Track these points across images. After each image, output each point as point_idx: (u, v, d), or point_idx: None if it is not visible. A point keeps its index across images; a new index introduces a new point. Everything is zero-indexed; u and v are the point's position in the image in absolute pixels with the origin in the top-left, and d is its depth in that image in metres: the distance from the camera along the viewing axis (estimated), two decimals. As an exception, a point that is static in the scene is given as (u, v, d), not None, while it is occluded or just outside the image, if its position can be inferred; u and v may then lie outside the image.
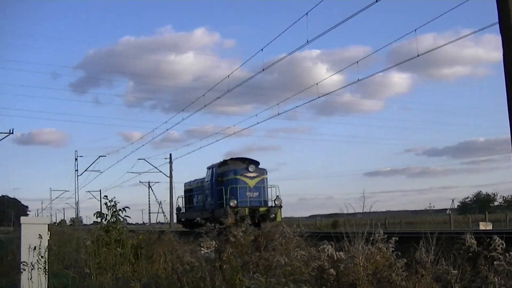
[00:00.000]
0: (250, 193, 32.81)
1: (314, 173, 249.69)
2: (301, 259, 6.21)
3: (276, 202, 33.09)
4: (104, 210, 13.23)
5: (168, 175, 70.06)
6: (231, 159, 35.50)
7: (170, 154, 71.02)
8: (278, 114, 34.77)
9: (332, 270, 5.81)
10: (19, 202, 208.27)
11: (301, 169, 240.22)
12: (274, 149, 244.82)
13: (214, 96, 37.02)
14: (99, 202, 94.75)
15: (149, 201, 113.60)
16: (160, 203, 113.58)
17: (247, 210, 30.86)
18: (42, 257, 9.65)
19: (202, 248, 9.31)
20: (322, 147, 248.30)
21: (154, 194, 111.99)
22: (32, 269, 9.49)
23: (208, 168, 36.34)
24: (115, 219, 13.00)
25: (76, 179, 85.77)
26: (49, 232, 10.50)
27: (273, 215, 31.98)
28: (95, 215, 13.42)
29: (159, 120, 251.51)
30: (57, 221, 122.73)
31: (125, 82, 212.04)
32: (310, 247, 6.98)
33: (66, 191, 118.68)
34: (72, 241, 20.92)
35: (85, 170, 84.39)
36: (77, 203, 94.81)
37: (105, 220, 13.14)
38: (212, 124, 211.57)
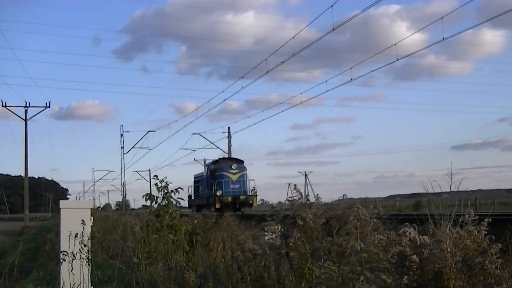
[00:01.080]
0: (233, 185, 49.51)
1: (393, 147, 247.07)
2: (378, 244, 6.25)
3: (252, 192, 50.16)
4: (154, 192, 13.46)
5: (227, 151, 70.64)
6: (222, 158, 55.24)
7: (229, 128, 72.24)
8: (351, 80, 35.16)
9: (414, 257, 5.86)
10: (58, 184, 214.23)
11: (378, 143, 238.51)
12: (346, 120, 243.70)
13: (278, 60, 37.44)
14: (149, 183, 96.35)
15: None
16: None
17: (230, 198, 48.36)
18: (84, 245, 9.87)
19: (265, 233, 9.43)
20: (402, 117, 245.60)
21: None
22: (73, 259, 9.69)
23: (206, 165, 56.21)
24: (166, 202, 13.24)
25: (122, 157, 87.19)
26: (92, 218, 10.71)
27: (251, 202, 48.95)
28: (144, 198, 13.63)
29: (216, 89, 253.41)
30: (101, 205, 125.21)
31: (176, 46, 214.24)
32: (389, 230, 7.03)
33: (110, 171, 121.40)
34: (118, 228, 21.44)
35: (132, 147, 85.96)
36: (123, 185, 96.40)
37: (155, 203, 13.37)
38: (276, 93, 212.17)
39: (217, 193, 48.52)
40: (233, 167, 50.26)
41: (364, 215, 7.65)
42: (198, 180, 58.30)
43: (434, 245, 5.90)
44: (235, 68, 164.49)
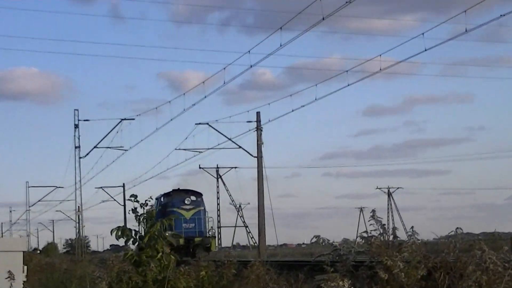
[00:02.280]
0: (186, 224, 60.13)
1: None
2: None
3: (210, 233, 62.48)
4: (132, 223, 13.35)
5: (255, 154, 69.35)
6: (177, 190, 64.55)
7: (258, 113, 69.94)
8: (466, 31, 33.97)
9: None
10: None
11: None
12: (458, 99, 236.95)
13: (342, 0, 35.87)
14: (122, 207, 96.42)
15: (217, 204, 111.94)
16: (239, 208, 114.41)
17: (181, 240, 55.24)
18: (12, 316, 9.39)
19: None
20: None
21: (227, 190, 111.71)
22: None
23: (156, 198, 62.21)
24: (153, 240, 12.94)
25: (78, 164, 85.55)
26: (25, 267, 10.08)
27: (208, 245, 59.94)
28: (115, 233, 13.27)
29: (236, 49, 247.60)
30: (41, 246, 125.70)
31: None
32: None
33: (57, 187, 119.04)
34: (71, 285, 20.91)
35: (95, 146, 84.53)
36: (79, 210, 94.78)
37: (133, 243, 13.18)
38: (338, 55, 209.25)
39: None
40: (186, 201, 61.64)
41: (493, 263, 6.90)
42: None
43: None
44: (268, 14, 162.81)
